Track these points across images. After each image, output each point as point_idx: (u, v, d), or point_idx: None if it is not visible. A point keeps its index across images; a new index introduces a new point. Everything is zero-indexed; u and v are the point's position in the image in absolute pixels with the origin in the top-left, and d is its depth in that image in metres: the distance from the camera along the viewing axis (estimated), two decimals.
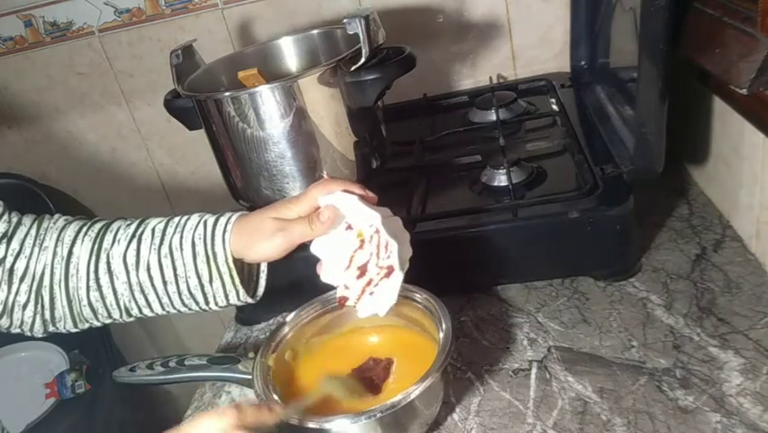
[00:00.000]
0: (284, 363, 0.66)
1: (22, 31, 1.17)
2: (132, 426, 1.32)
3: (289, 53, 0.92)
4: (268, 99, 0.73)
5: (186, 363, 0.71)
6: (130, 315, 0.64)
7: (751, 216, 0.71)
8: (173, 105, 0.81)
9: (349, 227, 0.60)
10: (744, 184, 0.72)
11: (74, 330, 0.65)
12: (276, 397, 0.59)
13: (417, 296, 0.66)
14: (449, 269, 0.76)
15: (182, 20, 1.13)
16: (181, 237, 0.62)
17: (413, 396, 0.54)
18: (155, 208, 1.31)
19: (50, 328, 0.64)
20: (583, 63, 1.01)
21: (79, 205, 1.34)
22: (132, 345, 1.45)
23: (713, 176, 0.82)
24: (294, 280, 0.79)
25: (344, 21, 0.72)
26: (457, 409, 0.63)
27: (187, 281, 0.62)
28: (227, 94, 0.75)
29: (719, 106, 0.75)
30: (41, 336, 0.65)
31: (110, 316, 0.64)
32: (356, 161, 0.79)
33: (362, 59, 0.73)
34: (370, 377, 0.63)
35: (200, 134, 0.81)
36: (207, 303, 0.64)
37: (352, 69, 0.73)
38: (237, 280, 0.62)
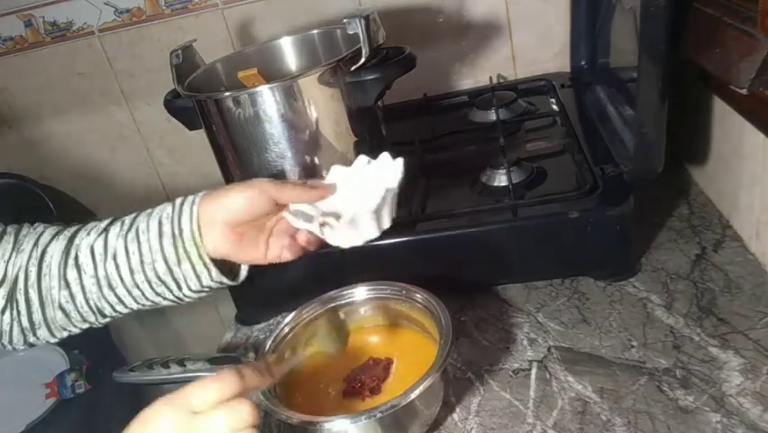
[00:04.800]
0: (284, 363, 0.66)
1: (22, 31, 1.17)
2: None
3: (289, 53, 0.92)
4: (268, 99, 0.73)
5: (186, 363, 0.71)
6: (104, 315, 0.62)
7: (751, 216, 0.71)
8: (173, 105, 0.81)
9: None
10: (743, 184, 0.72)
11: (52, 340, 0.63)
12: (276, 398, 0.59)
13: (417, 296, 0.66)
14: (449, 269, 0.76)
15: (182, 20, 1.13)
16: (149, 219, 0.60)
17: (413, 396, 0.54)
18: None
19: (30, 339, 0.62)
20: (583, 63, 1.01)
21: (79, 205, 1.34)
22: (132, 345, 1.45)
23: (713, 176, 0.82)
24: (294, 281, 0.79)
25: (344, 21, 0.72)
26: (457, 409, 0.63)
27: (154, 267, 0.59)
28: (227, 94, 0.75)
29: (719, 106, 0.75)
30: (21, 348, 0.63)
31: (84, 319, 0.62)
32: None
33: (362, 59, 0.73)
34: (369, 377, 0.64)
35: (200, 134, 0.81)
36: (180, 288, 0.60)
37: (352, 69, 0.73)
38: (206, 258, 0.58)
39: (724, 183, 0.78)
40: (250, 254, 0.60)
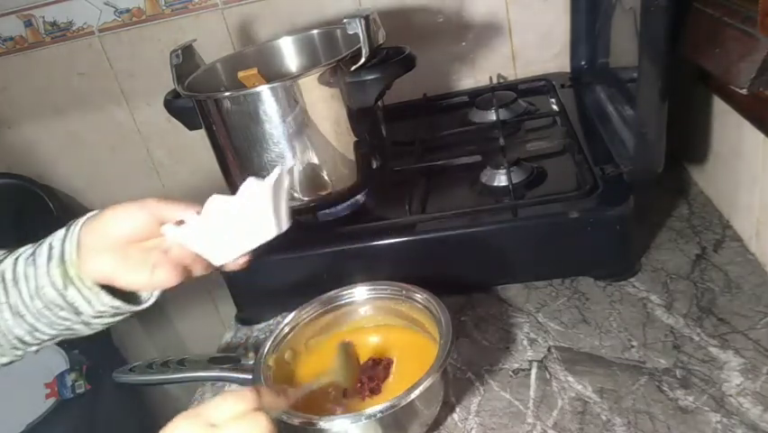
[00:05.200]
0: (284, 363, 0.66)
1: (22, 31, 1.17)
2: (132, 426, 1.33)
3: (289, 53, 0.92)
4: (268, 99, 0.73)
5: (186, 363, 0.71)
6: (27, 343, 0.59)
7: (751, 216, 0.71)
8: (173, 105, 0.81)
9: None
10: (743, 184, 0.72)
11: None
12: None
13: (417, 296, 0.66)
14: (449, 269, 0.76)
15: (182, 20, 1.13)
16: (46, 242, 0.57)
17: (413, 396, 0.54)
18: None
19: None
20: (583, 63, 1.01)
21: (79, 205, 1.34)
22: (132, 345, 1.45)
23: (713, 176, 0.82)
24: (294, 280, 0.79)
25: (344, 21, 0.72)
26: (457, 409, 0.63)
27: (45, 292, 0.55)
28: (227, 94, 0.75)
29: (719, 106, 0.75)
30: None
31: (14, 347, 0.59)
32: (356, 161, 0.79)
33: (362, 59, 0.73)
34: (369, 377, 0.64)
35: (200, 134, 0.81)
36: (80, 315, 0.57)
37: (352, 68, 0.73)
38: (89, 282, 0.55)
39: (724, 183, 0.78)
40: (135, 278, 0.56)
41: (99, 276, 0.56)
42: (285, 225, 0.57)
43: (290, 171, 0.57)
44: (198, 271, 0.58)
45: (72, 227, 0.57)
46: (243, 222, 0.55)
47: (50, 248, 0.56)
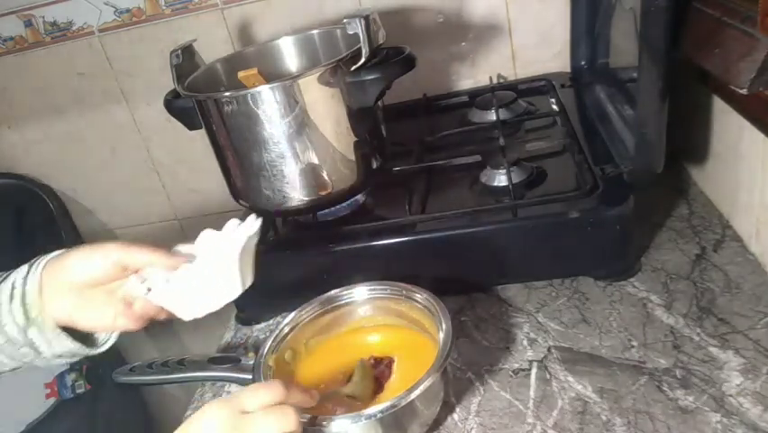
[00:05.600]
0: (284, 363, 0.66)
1: (22, 31, 1.17)
2: (132, 426, 1.33)
3: (289, 53, 0.92)
4: (268, 99, 0.73)
5: (186, 363, 0.71)
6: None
7: (750, 215, 0.71)
8: (173, 105, 0.81)
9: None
10: (743, 184, 0.72)
11: None
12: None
13: (417, 296, 0.66)
14: (449, 269, 0.76)
15: (182, 20, 1.13)
16: (10, 278, 0.57)
17: (413, 396, 0.54)
18: (155, 209, 1.32)
19: None
20: (583, 63, 1.01)
21: (79, 205, 1.34)
22: (132, 345, 1.45)
23: (713, 176, 0.82)
24: (294, 280, 0.79)
25: (344, 21, 0.72)
26: (457, 409, 0.63)
27: (6, 330, 0.56)
28: (227, 94, 0.75)
29: (719, 106, 0.75)
30: None
31: None
32: (356, 161, 0.79)
33: (362, 59, 0.73)
34: (374, 376, 0.64)
35: (200, 134, 0.81)
36: (39, 353, 0.58)
37: (352, 68, 0.73)
38: (51, 323, 0.56)
39: (723, 183, 0.78)
40: (97, 321, 0.57)
41: (60, 317, 0.56)
42: (249, 282, 0.58)
43: (257, 233, 0.58)
44: (163, 317, 0.59)
45: (35, 266, 0.57)
46: (210, 281, 0.56)
47: (13, 287, 0.57)
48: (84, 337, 0.60)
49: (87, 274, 0.55)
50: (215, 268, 0.56)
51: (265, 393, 0.49)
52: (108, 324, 0.57)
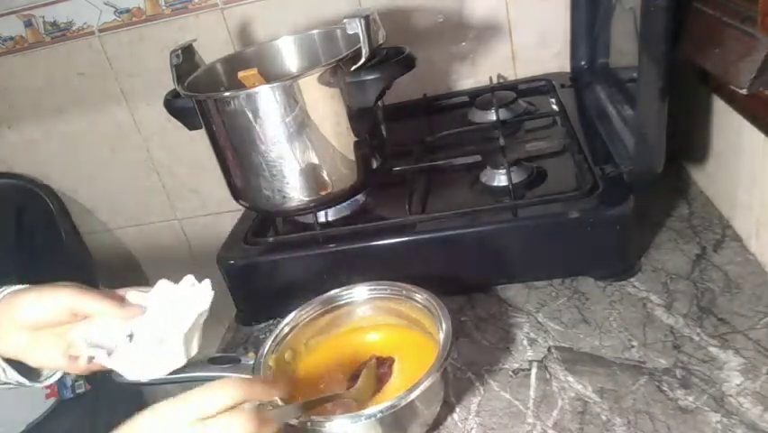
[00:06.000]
0: (284, 363, 0.66)
1: (22, 31, 1.17)
2: None
3: (289, 53, 0.92)
4: (268, 99, 0.73)
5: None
6: None
7: (750, 215, 0.71)
8: (173, 105, 0.81)
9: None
10: (743, 184, 0.72)
11: None
12: (276, 398, 0.59)
13: (417, 296, 0.66)
14: (449, 269, 0.76)
15: (182, 20, 1.13)
16: None
17: (413, 396, 0.54)
18: (155, 208, 1.32)
19: None
20: (583, 63, 1.01)
21: (79, 205, 1.34)
22: None
23: (713, 175, 0.82)
24: (294, 280, 0.79)
25: (344, 21, 0.72)
26: (457, 409, 0.63)
27: None
28: (227, 94, 0.75)
29: (719, 106, 0.75)
30: None
31: None
32: (356, 161, 0.79)
33: (362, 59, 0.73)
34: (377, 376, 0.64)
35: (200, 134, 0.81)
36: None
37: (352, 68, 0.73)
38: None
39: (723, 183, 0.78)
40: (44, 361, 0.58)
41: (9, 352, 0.58)
42: (194, 352, 0.60)
43: (207, 310, 0.59)
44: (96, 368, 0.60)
45: None
46: (154, 350, 0.57)
47: None
48: (29, 370, 0.61)
49: (37, 317, 0.57)
50: (162, 335, 0.57)
51: (221, 395, 0.46)
52: (54, 365, 0.59)
